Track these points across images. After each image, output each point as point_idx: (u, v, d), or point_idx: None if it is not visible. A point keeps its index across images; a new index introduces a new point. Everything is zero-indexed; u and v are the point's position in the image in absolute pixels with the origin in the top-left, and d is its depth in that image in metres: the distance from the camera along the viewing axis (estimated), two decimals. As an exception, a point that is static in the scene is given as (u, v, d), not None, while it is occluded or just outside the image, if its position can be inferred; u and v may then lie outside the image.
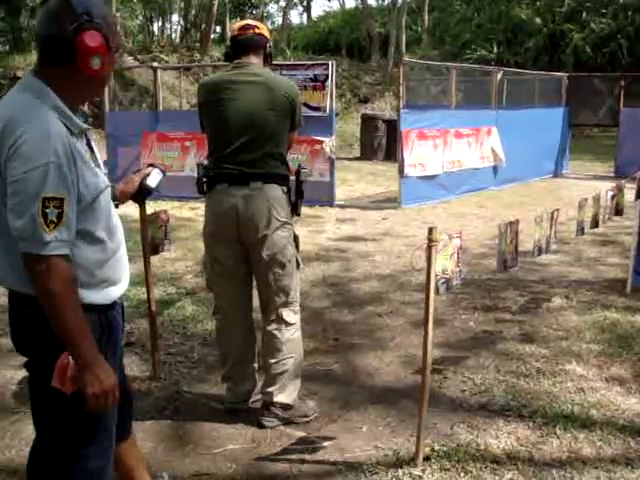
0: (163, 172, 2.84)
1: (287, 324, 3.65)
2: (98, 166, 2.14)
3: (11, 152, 1.88)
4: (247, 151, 3.48)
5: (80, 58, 1.95)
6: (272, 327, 3.67)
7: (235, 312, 3.80)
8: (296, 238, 3.67)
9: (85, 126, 2.08)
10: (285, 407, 3.67)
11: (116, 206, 2.51)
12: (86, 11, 1.95)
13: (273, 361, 3.68)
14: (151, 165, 2.83)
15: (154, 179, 2.77)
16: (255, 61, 3.57)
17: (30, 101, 1.96)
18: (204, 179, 3.63)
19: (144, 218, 4.08)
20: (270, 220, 3.49)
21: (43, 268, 1.91)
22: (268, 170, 3.49)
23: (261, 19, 41.90)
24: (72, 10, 1.94)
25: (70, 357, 1.99)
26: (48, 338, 2.01)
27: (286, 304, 3.66)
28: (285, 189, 3.56)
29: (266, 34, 3.64)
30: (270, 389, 3.69)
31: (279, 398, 3.65)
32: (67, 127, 1.98)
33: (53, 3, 1.98)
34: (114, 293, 2.20)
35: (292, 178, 3.62)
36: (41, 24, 1.99)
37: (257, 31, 3.59)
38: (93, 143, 2.18)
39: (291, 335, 3.67)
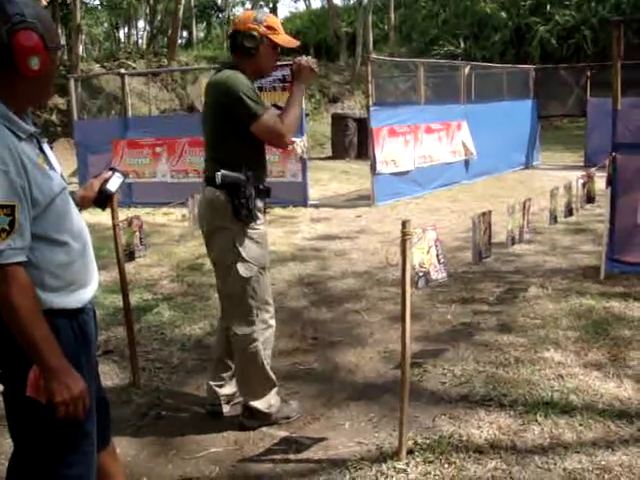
0: (124, 175, 2.81)
1: (236, 335, 3.54)
2: (53, 169, 2.09)
3: None
4: (205, 153, 3.58)
5: (18, 59, 1.91)
6: (229, 334, 3.62)
7: (220, 311, 3.82)
8: (236, 246, 3.40)
9: (33, 129, 2.04)
10: (260, 413, 3.63)
11: (78, 205, 2.46)
12: (18, 12, 1.91)
13: (236, 367, 3.69)
14: (111, 169, 2.80)
15: (114, 183, 2.74)
16: (234, 59, 3.48)
17: None
18: None
19: (115, 224, 4.05)
20: (207, 224, 3.50)
21: None
22: (210, 172, 3.43)
23: (227, 22, 41.87)
24: (3, 12, 1.90)
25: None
26: (19, 349, 1.97)
27: (233, 314, 3.56)
28: (222, 192, 3.36)
29: (241, 27, 3.42)
30: (243, 393, 3.68)
31: (252, 403, 3.62)
32: (14, 132, 1.95)
33: None
34: (84, 296, 2.16)
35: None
36: None
37: (234, 28, 3.51)
38: (45, 146, 2.13)
39: (244, 347, 3.54)
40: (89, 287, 2.20)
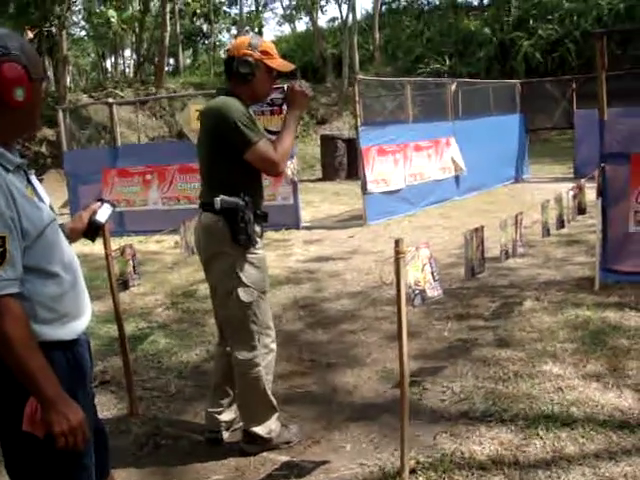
0: (113, 205, 2.81)
1: (238, 360, 3.52)
2: (41, 200, 2.10)
3: None
4: (201, 180, 3.58)
5: (2, 90, 1.94)
6: (231, 359, 3.61)
7: (219, 337, 3.80)
8: (235, 271, 3.39)
9: (20, 161, 2.04)
10: (260, 438, 3.61)
11: (69, 238, 2.46)
12: (2, 44, 1.94)
13: (237, 392, 3.67)
14: (100, 200, 2.80)
15: (103, 214, 2.73)
16: (229, 85, 3.48)
17: None
18: None
19: (108, 254, 4.05)
20: (204, 248, 3.49)
21: None
22: (206, 198, 3.43)
23: (213, 48, 42.10)
24: None
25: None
26: (13, 383, 1.96)
27: (235, 339, 3.54)
28: (220, 218, 3.35)
29: (235, 53, 3.42)
30: (243, 418, 3.66)
31: (254, 428, 3.60)
32: (1, 164, 1.96)
33: None
34: (77, 327, 2.15)
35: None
36: None
37: (228, 54, 3.50)
38: (32, 177, 2.13)
39: (245, 371, 3.52)
40: (82, 318, 2.19)
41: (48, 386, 1.95)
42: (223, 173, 3.39)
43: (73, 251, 2.23)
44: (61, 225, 2.26)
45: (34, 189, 2.10)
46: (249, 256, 3.43)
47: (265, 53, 3.45)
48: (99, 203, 2.75)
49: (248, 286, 3.43)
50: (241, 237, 3.34)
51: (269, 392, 3.61)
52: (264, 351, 3.56)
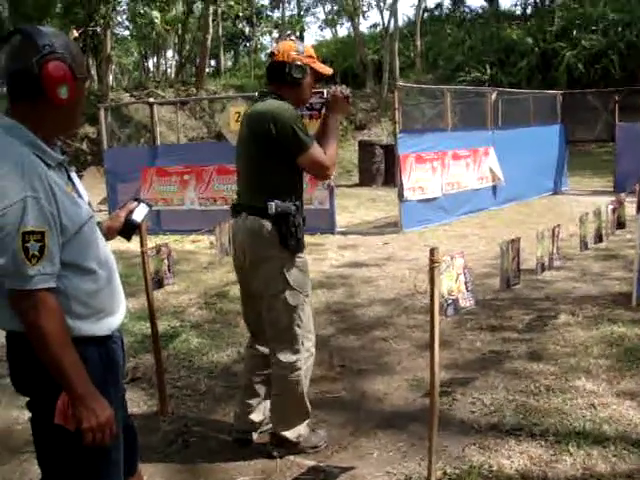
0: (149, 205, 2.83)
1: (280, 362, 3.53)
2: (80, 197, 2.14)
3: None
4: (241, 183, 3.58)
5: (47, 89, 1.97)
6: (272, 361, 3.62)
7: (251, 339, 3.82)
8: (284, 274, 3.42)
9: (61, 158, 2.08)
10: (288, 442, 3.62)
11: (107, 237, 2.50)
12: (48, 43, 1.98)
13: (273, 394, 3.66)
14: (136, 199, 2.83)
15: (140, 213, 2.76)
16: (274, 88, 3.51)
17: (3, 140, 1.97)
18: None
19: (144, 252, 4.08)
20: (250, 253, 3.48)
21: (29, 303, 1.92)
22: (252, 202, 3.44)
23: (255, 51, 42.34)
24: (34, 43, 1.97)
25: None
26: (47, 376, 1.99)
27: (279, 342, 3.54)
28: (268, 222, 3.37)
29: (284, 57, 3.46)
30: (273, 422, 3.67)
31: (283, 432, 3.61)
32: (43, 160, 1.99)
33: (15, 39, 2.00)
34: (111, 324, 2.18)
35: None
36: (5, 61, 2.00)
37: (275, 58, 3.51)
38: (73, 175, 2.17)
39: (287, 374, 3.53)
40: (117, 315, 2.22)
41: (79, 382, 1.97)
42: (273, 177, 3.42)
43: (109, 248, 2.25)
44: (98, 223, 2.28)
45: (74, 186, 2.14)
46: (296, 260, 3.47)
47: (310, 57, 3.52)
48: (136, 202, 2.78)
49: (295, 289, 3.47)
50: (291, 241, 3.39)
51: (306, 396, 3.63)
52: (306, 355, 3.59)
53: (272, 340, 3.58)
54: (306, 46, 3.59)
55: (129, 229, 2.73)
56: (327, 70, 3.63)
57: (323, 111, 3.67)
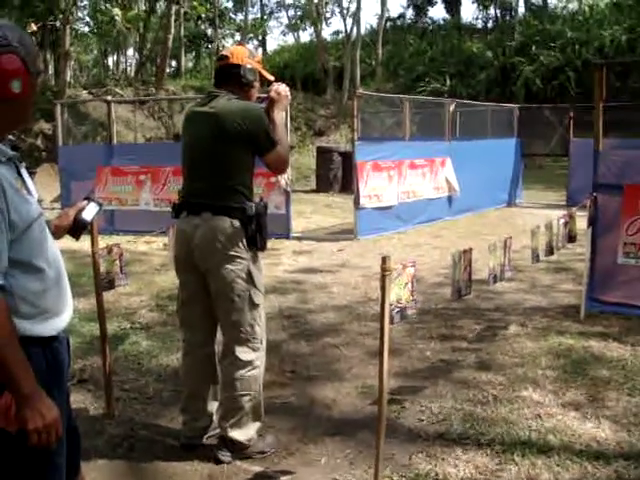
0: (100, 205, 2.80)
1: (239, 361, 3.54)
2: (30, 194, 2.09)
3: None
4: (201, 182, 3.53)
5: None
6: (225, 362, 3.61)
7: (194, 342, 3.77)
8: (250, 273, 3.50)
9: (11, 153, 2.03)
10: (239, 444, 3.61)
11: (54, 235, 2.42)
12: (2, 35, 1.94)
13: (226, 395, 3.63)
14: (87, 198, 2.79)
15: (90, 212, 2.72)
16: (225, 91, 3.53)
17: None
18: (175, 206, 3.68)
19: (94, 252, 4.03)
20: (215, 252, 3.45)
21: None
22: (219, 201, 3.45)
23: (216, 53, 42.12)
24: None
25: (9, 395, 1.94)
26: None
27: (239, 340, 3.55)
28: (237, 222, 3.44)
29: (238, 61, 3.54)
30: (225, 424, 3.63)
31: (234, 434, 3.59)
32: None
33: None
34: (58, 324, 2.13)
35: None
36: None
37: (228, 61, 3.57)
38: (23, 171, 2.12)
39: (245, 372, 3.55)
40: (63, 315, 2.17)
41: (25, 382, 1.93)
42: (239, 176, 3.49)
43: (58, 248, 2.21)
44: (47, 222, 2.23)
45: (24, 182, 2.09)
46: (258, 260, 3.56)
47: (259, 63, 3.67)
48: (86, 201, 2.74)
49: (258, 288, 3.54)
50: (259, 241, 3.48)
51: (261, 397, 3.66)
52: (263, 353, 3.65)
53: (231, 340, 3.57)
54: (256, 52, 3.81)
55: (78, 228, 2.68)
56: (270, 76, 3.80)
57: (263, 105, 3.74)
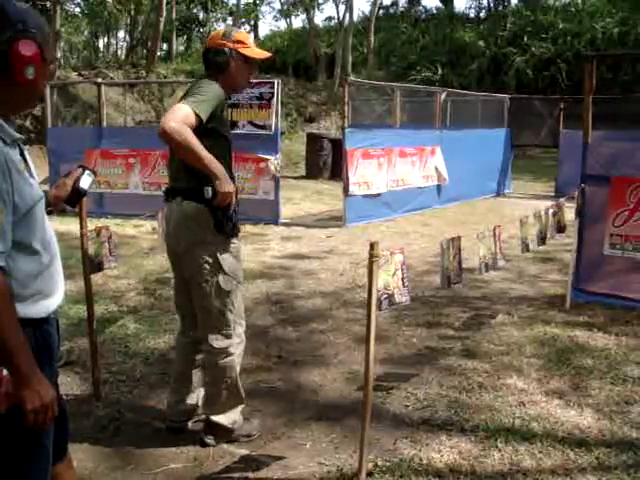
0: (94, 173, 2.83)
1: (213, 348, 3.52)
2: (32, 177, 2.09)
3: None
4: (172, 166, 3.51)
5: (15, 67, 1.93)
6: (203, 347, 3.61)
7: (181, 326, 3.79)
8: (217, 259, 3.40)
9: (18, 135, 2.04)
10: (223, 428, 3.62)
11: (50, 212, 2.43)
12: (22, 20, 1.93)
13: (206, 380, 3.67)
14: (81, 167, 2.80)
15: (86, 181, 2.75)
16: (207, 75, 3.46)
17: None
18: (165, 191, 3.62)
19: (83, 234, 4.02)
20: (184, 237, 3.43)
21: None
22: (186, 185, 3.38)
23: (208, 37, 41.90)
24: (7, 19, 1.92)
25: (4, 372, 1.94)
26: None
27: (210, 327, 3.52)
28: (203, 206, 3.31)
29: (211, 43, 3.47)
30: (206, 409, 3.66)
31: (216, 419, 3.61)
32: (0, 137, 1.95)
33: None
34: (48, 306, 2.14)
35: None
36: None
37: (205, 46, 3.54)
38: (27, 153, 2.13)
39: (219, 360, 3.53)
40: (54, 297, 2.18)
41: (24, 363, 1.94)
42: None
43: (53, 230, 2.22)
44: (44, 192, 2.24)
45: (27, 165, 2.09)
46: (230, 245, 3.46)
47: (239, 42, 3.46)
48: (80, 170, 2.76)
49: (228, 274, 3.46)
50: (227, 226, 3.37)
51: (239, 382, 3.64)
52: (237, 340, 3.59)
53: (204, 326, 3.56)
54: (238, 31, 3.55)
55: (76, 197, 2.71)
56: (259, 54, 3.56)
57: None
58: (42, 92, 2.17)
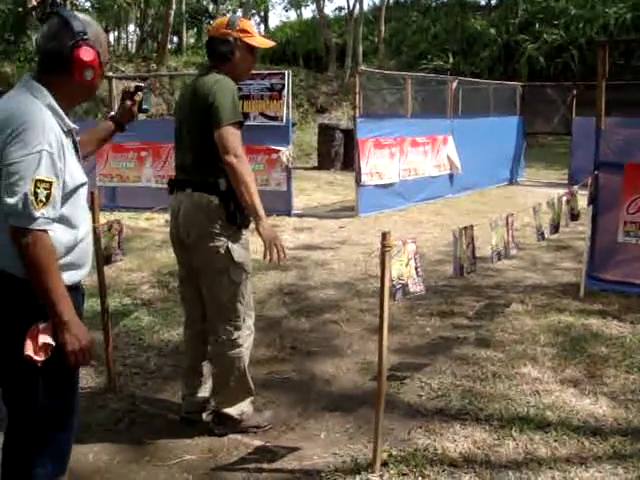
0: (149, 89, 3.11)
1: (222, 339, 3.53)
2: (80, 163, 2.44)
3: (10, 139, 2.16)
4: (183, 157, 3.51)
5: (75, 70, 2.31)
6: (211, 339, 3.62)
7: (191, 318, 3.78)
8: (229, 250, 3.40)
9: (73, 126, 2.39)
10: (232, 419, 3.63)
11: (122, 129, 3.06)
12: (82, 30, 2.32)
13: (214, 372, 3.68)
14: (137, 87, 3.06)
15: (147, 100, 3.07)
16: (212, 65, 3.47)
17: (28, 98, 2.27)
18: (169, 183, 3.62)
19: (96, 228, 4.03)
20: (195, 228, 3.42)
21: (30, 240, 2.17)
22: (198, 177, 3.39)
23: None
24: (71, 29, 2.30)
25: (40, 326, 2.22)
26: (13, 313, 2.27)
27: (220, 318, 3.53)
28: (216, 198, 3.34)
29: (215, 33, 3.46)
30: (216, 400, 3.68)
31: (226, 409, 3.62)
32: (58, 124, 2.28)
33: (54, 22, 2.32)
34: (77, 276, 2.43)
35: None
36: (43, 39, 2.34)
37: (209, 35, 3.54)
38: (78, 144, 2.45)
39: (228, 351, 3.53)
40: (82, 270, 2.47)
41: (66, 310, 2.24)
42: (210, 152, 3.31)
43: (89, 211, 2.57)
44: (112, 117, 3.05)
45: (77, 153, 2.43)
46: (240, 237, 3.47)
47: (243, 31, 3.45)
48: (140, 94, 3.04)
49: (238, 266, 3.46)
50: (238, 217, 3.39)
51: (248, 373, 3.64)
52: (247, 332, 3.60)
53: (213, 317, 3.57)
54: (241, 20, 3.53)
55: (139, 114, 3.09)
56: (263, 43, 3.57)
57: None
58: (97, 89, 2.51)
